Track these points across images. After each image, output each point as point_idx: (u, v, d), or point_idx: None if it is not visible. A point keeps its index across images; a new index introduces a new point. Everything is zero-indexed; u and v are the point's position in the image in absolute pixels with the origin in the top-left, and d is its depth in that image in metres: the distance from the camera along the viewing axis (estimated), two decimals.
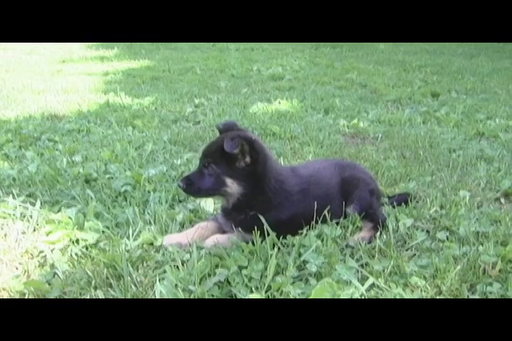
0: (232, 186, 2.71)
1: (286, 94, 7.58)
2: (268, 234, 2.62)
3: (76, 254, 2.69)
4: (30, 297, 2.31)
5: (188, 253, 2.62)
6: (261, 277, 2.38)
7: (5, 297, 2.33)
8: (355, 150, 4.66)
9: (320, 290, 2.13)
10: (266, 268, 2.40)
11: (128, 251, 2.67)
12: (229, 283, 2.38)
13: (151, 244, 2.81)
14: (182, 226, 3.05)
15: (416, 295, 2.30)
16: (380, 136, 5.30)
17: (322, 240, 2.75)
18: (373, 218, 3.04)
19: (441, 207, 3.37)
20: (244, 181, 2.71)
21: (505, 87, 8.60)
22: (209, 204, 3.26)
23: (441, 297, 2.35)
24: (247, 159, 2.68)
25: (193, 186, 2.75)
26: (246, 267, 2.43)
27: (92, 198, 3.36)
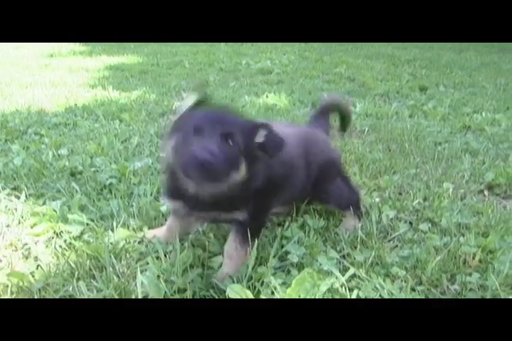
0: (242, 172, 2.23)
1: (275, 87, 7.57)
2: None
3: (60, 246, 2.69)
4: (13, 289, 2.32)
5: (171, 245, 2.63)
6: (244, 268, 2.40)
7: None
8: (341, 143, 4.67)
9: (300, 280, 2.15)
10: None
11: (111, 243, 2.68)
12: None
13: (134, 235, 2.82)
14: (166, 219, 3.05)
15: (396, 285, 2.33)
16: (366, 129, 5.32)
17: (304, 231, 2.77)
18: (351, 202, 3.01)
19: (425, 199, 3.40)
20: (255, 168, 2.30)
21: (492, 81, 8.64)
22: None
23: (422, 287, 2.38)
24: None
25: (218, 163, 2.05)
26: None
27: (77, 191, 3.36)
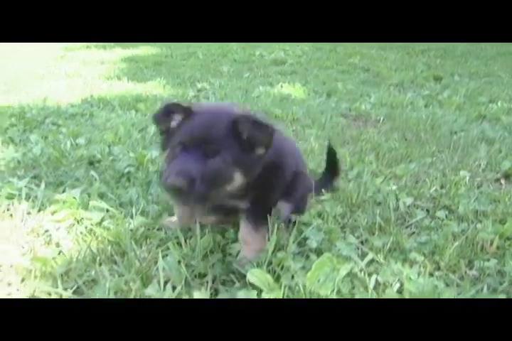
0: (239, 180, 2.20)
1: (289, 78, 7.58)
2: None
3: (81, 233, 2.73)
4: (37, 273, 2.36)
5: (192, 231, 2.66)
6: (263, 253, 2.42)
7: (12, 274, 2.38)
8: (356, 133, 4.68)
9: (320, 264, 2.16)
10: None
11: (131, 230, 2.71)
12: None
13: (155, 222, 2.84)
14: None
15: (414, 270, 2.33)
16: (381, 118, 5.32)
17: (323, 218, 2.79)
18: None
19: (442, 187, 3.41)
20: (253, 172, 2.24)
21: (509, 70, 8.60)
22: None
23: (440, 272, 2.39)
24: (262, 150, 2.20)
25: (196, 186, 2.03)
26: None
27: (96, 179, 3.40)
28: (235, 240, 2.59)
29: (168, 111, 2.25)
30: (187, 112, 2.21)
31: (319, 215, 2.86)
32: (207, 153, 2.07)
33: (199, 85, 6.96)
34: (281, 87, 6.77)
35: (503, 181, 3.70)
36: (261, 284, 2.15)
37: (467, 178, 3.53)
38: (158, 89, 6.68)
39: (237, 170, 2.13)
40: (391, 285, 2.23)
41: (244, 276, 2.24)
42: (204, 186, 2.03)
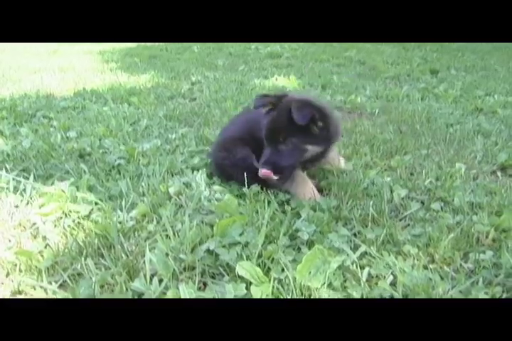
0: (313, 149, 2.87)
1: (284, 71, 7.53)
2: None
3: (68, 226, 2.67)
4: (22, 267, 2.30)
5: (181, 222, 2.61)
6: (253, 246, 2.37)
7: None
8: (351, 125, 4.62)
9: (311, 257, 2.11)
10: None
11: (120, 223, 2.65)
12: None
13: (144, 215, 2.79)
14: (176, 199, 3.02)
15: (408, 263, 2.29)
16: (377, 111, 5.27)
17: (315, 210, 2.74)
18: None
19: (437, 179, 3.34)
20: (322, 140, 2.91)
21: (505, 64, 8.56)
22: (202, 177, 3.23)
23: (434, 265, 2.34)
24: (320, 123, 2.82)
25: (279, 167, 2.79)
26: (240, 235, 2.43)
27: (85, 172, 3.35)
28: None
29: None
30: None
31: (311, 207, 2.81)
32: (278, 141, 2.82)
33: (193, 78, 6.90)
34: (276, 79, 6.71)
35: (499, 173, 3.64)
36: (250, 277, 2.10)
37: (463, 170, 3.48)
38: (152, 83, 6.62)
39: (307, 145, 2.84)
40: (384, 277, 2.18)
41: (234, 269, 2.19)
42: (287, 164, 2.83)
